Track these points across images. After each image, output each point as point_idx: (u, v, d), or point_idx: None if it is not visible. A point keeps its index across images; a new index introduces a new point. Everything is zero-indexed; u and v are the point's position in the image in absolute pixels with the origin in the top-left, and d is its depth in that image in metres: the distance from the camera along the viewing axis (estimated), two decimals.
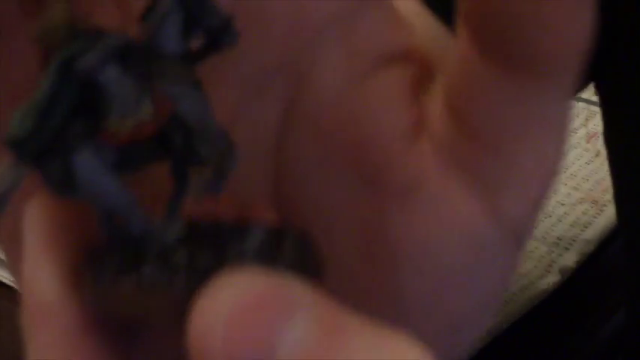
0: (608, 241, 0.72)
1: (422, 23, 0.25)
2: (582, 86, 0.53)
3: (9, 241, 0.24)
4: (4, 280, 0.68)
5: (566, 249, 0.71)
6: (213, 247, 0.20)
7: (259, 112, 0.24)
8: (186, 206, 0.22)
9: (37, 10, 0.20)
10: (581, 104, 0.82)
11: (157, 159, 0.21)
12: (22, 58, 0.22)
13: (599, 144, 0.77)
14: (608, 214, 0.73)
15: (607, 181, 0.64)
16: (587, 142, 0.81)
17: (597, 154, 0.79)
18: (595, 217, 0.74)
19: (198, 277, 0.19)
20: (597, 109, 0.71)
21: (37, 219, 0.21)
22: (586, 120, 0.82)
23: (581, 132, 0.81)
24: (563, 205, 0.75)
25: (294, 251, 0.21)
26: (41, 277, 0.21)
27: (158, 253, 0.20)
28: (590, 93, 0.77)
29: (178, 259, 0.20)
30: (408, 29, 0.24)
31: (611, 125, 0.49)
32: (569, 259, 0.70)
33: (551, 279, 0.69)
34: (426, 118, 0.23)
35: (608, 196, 0.72)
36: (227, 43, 0.21)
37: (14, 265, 0.24)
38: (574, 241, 0.72)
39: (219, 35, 0.21)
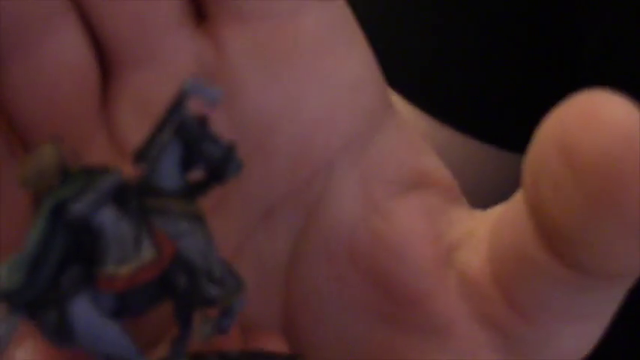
0: None
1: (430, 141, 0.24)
2: None
3: None
4: None
5: None
6: None
7: (267, 242, 0.23)
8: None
9: (25, 152, 0.20)
10: None
11: (159, 301, 0.20)
12: (11, 204, 0.21)
13: None
14: None
15: None
16: None
17: None
18: None
19: None
20: None
21: None
22: None
23: None
24: None
25: None
26: None
27: None
28: None
29: None
30: (422, 150, 0.23)
31: None
32: None
33: None
34: (454, 255, 0.22)
35: None
36: (230, 173, 0.20)
37: None
38: None
39: (221, 166, 0.20)
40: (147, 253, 0.19)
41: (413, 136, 0.23)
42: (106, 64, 0.22)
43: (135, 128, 0.22)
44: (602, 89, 0.17)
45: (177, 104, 0.19)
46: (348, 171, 0.22)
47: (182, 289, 0.19)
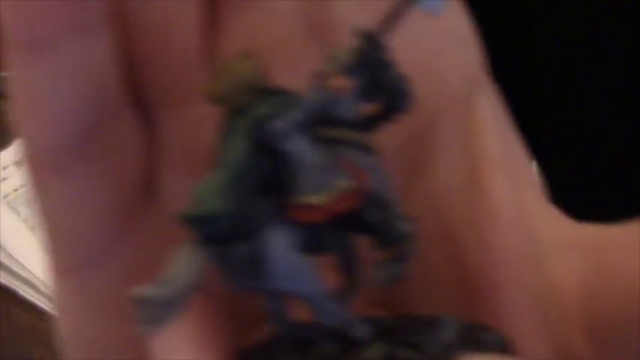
0: None
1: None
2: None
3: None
4: (4, 282, 0.69)
5: None
6: (406, 341, 0.18)
7: None
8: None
9: (213, 68, 0.18)
10: None
11: (346, 239, 0.19)
12: (195, 121, 0.20)
13: None
14: None
15: None
16: None
17: None
18: None
19: None
20: None
21: (185, 317, 0.19)
22: None
23: None
24: None
25: (493, 343, 0.19)
26: None
27: (349, 348, 0.18)
28: None
29: (374, 354, 0.18)
30: (513, 133, 0.22)
31: None
32: None
33: None
34: (543, 261, 0.20)
35: None
36: (403, 107, 0.19)
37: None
38: None
39: (396, 98, 0.19)
40: (343, 182, 0.17)
41: (506, 116, 0.22)
42: (211, 6, 0.21)
43: None
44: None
45: (401, 6, 0.18)
46: (453, 135, 0.21)
47: (376, 224, 0.18)
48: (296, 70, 0.18)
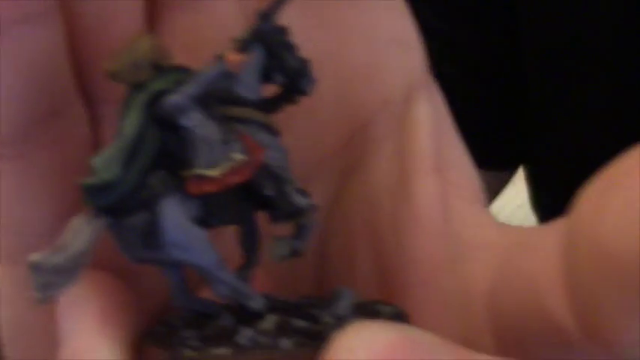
0: None
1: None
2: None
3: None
4: None
5: None
6: (302, 314, 0.19)
7: None
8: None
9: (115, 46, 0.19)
10: None
11: (242, 212, 0.19)
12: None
13: None
14: None
15: None
16: None
17: None
18: None
19: (299, 339, 0.18)
20: None
21: (90, 295, 0.19)
22: None
23: None
24: None
25: (387, 313, 0.20)
26: (100, 356, 0.19)
27: (245, 320, 0.19)
28: None
29: (267, 324, 0.19)
30: (452, 137, 0.22)
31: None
32: None
33: None
34: (460, 265, 0.20)
35: None
36: (303, 88, 0.20)
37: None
38: None
39: (296, 79, 0.20)
40: (237, 155, 0.18)
41: (445, 119, 0.22)
42: (151, 6, 0.21)
43: None
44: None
45: None
46: (387, 137, 0.22)
47: (273, 198, 0.19)
48: None
